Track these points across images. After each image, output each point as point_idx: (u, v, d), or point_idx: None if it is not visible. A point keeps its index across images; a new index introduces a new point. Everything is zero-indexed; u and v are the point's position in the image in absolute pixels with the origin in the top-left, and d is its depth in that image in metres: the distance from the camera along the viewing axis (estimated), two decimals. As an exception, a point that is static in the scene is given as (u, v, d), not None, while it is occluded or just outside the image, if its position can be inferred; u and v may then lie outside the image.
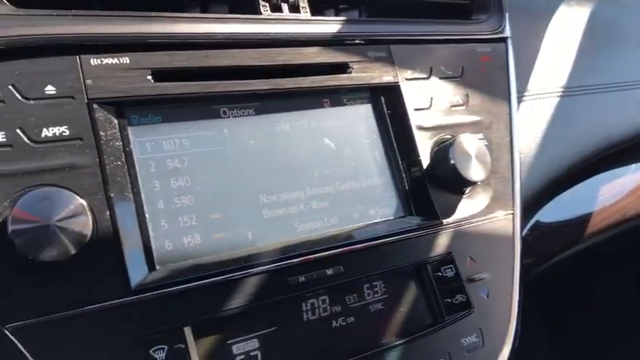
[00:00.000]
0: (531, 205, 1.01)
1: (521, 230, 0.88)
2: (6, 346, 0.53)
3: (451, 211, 0.81)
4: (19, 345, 0.54)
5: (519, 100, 1.01)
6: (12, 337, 0.53)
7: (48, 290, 0.56)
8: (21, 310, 0.54)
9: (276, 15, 0.78)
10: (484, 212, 0.84)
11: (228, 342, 0.64)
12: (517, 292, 0.82)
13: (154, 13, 0.68)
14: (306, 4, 0.81)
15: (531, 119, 1.03)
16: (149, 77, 0.66)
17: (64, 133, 0.60)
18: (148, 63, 0.66)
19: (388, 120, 0.81)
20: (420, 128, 0.82)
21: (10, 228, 0.54)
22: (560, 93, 1.09)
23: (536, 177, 0.99)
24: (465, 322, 0.76)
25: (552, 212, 1.13)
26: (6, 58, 0.59)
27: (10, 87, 0.59)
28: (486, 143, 0.87)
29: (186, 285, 0.62)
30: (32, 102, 0.59)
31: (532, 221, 1.10)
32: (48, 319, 0.55)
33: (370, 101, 0.82)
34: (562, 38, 1.14)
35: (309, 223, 0.73)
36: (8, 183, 0.56)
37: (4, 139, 0.57)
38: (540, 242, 1.11)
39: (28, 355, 0.54)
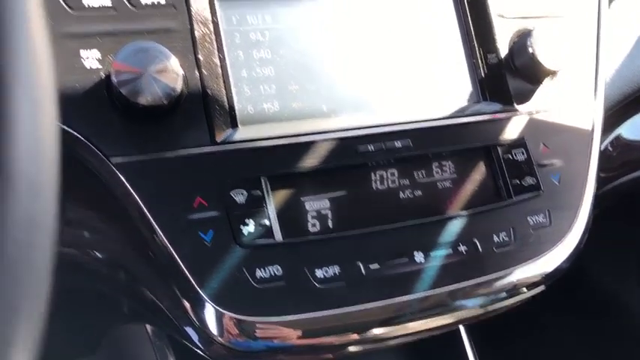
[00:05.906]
0: (613, 117, 0.97)
1: (601, 141, 0.86)
2: (112, 177, 0.63)
3: (527, 99, 0.81)
4: (122, 177, 0.63)
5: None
6: (115, 170, 0.62)
7: (146, 135, 0.64)
8: (123, 149, 0.63)
9: None
10: (562, 102, 0.83)
11: (302, 198, 0.70)
12: (592, 182, 0.81)
13: None
14: None
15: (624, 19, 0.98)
16: None
17: (160, 2, 0.67)
18: None
19: (467, 6, 0.82)
20: (501, 16, 0.82)
21: (114, 79, 0.62)
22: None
23: (622, 80, 0.95)
24: (532, 202, 0.77)
25: (635, 129, 1.08)
26: None
27: None
28: (571, 33, 0.85)
29: (264, 142, 0.68)
30: (133, -28, 0.67)
31: (613, 135, 1.06)
32: (146, 157, 0.64)
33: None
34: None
35: (383, 102, 0.76)
36: (113, 40, 0.64)
37: (110, 4, 0.65)
38: (620, 156, 1.06)
39: (128, 185, 0.63)
